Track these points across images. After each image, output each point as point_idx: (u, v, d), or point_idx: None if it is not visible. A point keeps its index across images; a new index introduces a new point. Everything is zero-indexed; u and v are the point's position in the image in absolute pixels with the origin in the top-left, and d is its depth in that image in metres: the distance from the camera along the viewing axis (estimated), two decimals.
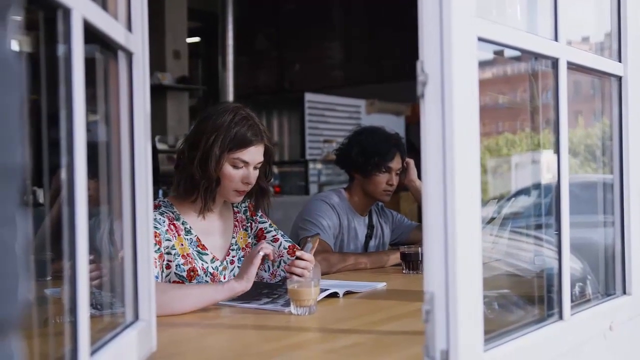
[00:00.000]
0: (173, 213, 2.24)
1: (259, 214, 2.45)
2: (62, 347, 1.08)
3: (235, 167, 2.21)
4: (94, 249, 1.16)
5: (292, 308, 1.88)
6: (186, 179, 2.22)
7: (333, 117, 8.26)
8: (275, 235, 2.42)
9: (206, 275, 2.23)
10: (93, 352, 1.11)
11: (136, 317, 1.38)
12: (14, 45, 0.56)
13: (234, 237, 2.37)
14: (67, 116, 1.01)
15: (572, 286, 1.62)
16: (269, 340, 1.66)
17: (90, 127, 1.16)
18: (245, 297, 2.06)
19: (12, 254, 0.54)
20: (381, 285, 2.38)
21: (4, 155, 0.53)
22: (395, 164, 3.04)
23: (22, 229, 0.56)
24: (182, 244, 2.20)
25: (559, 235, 1.54)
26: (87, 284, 1.04)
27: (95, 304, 1.35)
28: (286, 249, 2.38)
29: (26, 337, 0.60)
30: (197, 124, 2.29)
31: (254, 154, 2.22)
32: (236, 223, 2.39)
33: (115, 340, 1.24)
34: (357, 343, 1.60)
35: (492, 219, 2.08)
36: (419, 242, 3.00)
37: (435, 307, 1.18)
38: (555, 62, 1.53)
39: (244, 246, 2.39)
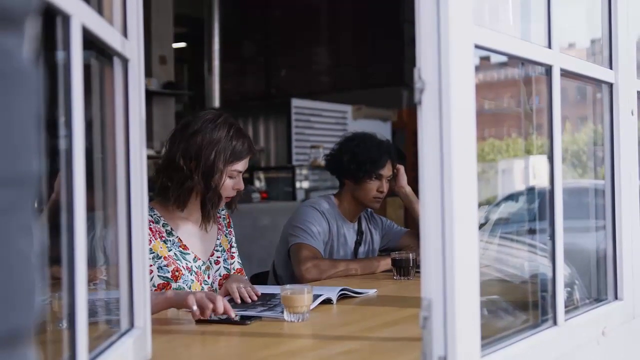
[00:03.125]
0: (152, 216, 2.28)
1: (231, 227, 2.56)
2: (58, 354, 1.07)
3: (231, 177, 2.31)
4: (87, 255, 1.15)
5: (285, 315, 1.88)
6: (186, 192, 2.27)
7: (320, 122, 8.26)
8: (234, 253, 2.53)
9: (191, 274, 2.29)
10: None
11: (131, 324, 1.37)
12: (30, 55, 0.55)
13: (218, 239, 2.44)
14: (66, 123, 1.01)
15: None
16: (263, 347, 1.66)
17: (85, 134, 1.15)
18: (240, 306, 2.06)
19: (29, 263, 0.54)
20: (372, 292, 2.37)
21: (22, 164, 0.53)
22: (386, 171, 3.05)
23: (37, 237, 0.55)
24: (161, 247, 2.25)
25: (552, 241, 1.55)
26: (85, 291, 1.04)
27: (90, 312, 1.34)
28: (234, 270, 2.46)
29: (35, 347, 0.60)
30: (187, 136, 2.29)
31: (246, 163, 2.35)
32: (219, 227, 2.48)
33: (111, 348, 1.23)
34: (353, 350, 1.60)
35: (481, 224, 2.09)
36: (408, 247, 3.00)
37: (433, 313, 1.18)
38: (549, 69, 1.54)
39: (227, 249, 2.48)
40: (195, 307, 1.83)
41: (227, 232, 2.51)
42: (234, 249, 2.53)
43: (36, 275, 0.55)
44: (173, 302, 1.95)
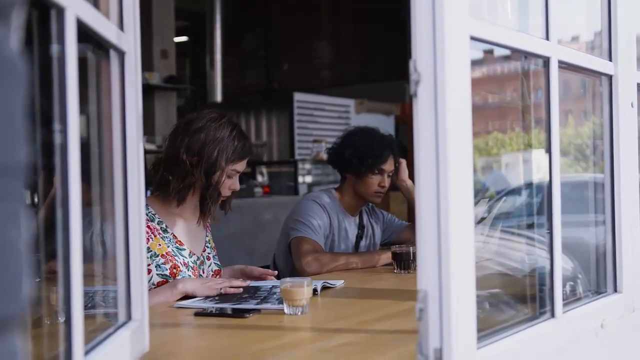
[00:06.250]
0: (147, 214, 2.29)
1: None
2: (55, 347, 1.08)
3: (229, 176, 2.34)
4: (84, 250, 1.16)
5: (285, 308, 1.88)
6: (186, 187, 2.30)
7: (322, 116, 8.25)
8: (214, 253, 2.54)
9: (188, 270, 2.32)
10: (86, 353, 1.10)
11: (129, 317, 1.38)
12: (17, 45, 0.56)
13: (207, 236, 2.50)
14: (60, 117, 1.01)
15: (563, 285, 1.62)
16: (262, 340, 1.66)
17: (83, 128, 1.15)
18: (232, 300, 2.06)
19: (16, 251, 0.54)
20: (340, 283, 2.39)
21: (9, 154, 0.53)
22: (388, 166, 3.04)
23: (25, 226, 0.56)
24: (159, 244, 2.28)
25: (550, 233, 1.55)
26: (81, 284, 1.04)
27: (87, 304, 1.34)
28: (212, 272, 2.47)
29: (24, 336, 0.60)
30: (190, 132, 2.31)
31: (245, 164, 2.40)
32: (207, 225, 2.51)
33: (108, 340, 1.24)
34: (351, 342, 1.60)
35: (483, 218, 2.08)
36: (409, 241, 3.00)
37: (428, 305, 1.18)
38: (546, 61, 1.54)
39: (214, 247, 2.53)
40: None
41: (210, 230, 2.56)
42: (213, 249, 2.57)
43: (25, 264, 0.55)
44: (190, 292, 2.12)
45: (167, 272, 2.25)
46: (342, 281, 2.43)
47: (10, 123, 0.53)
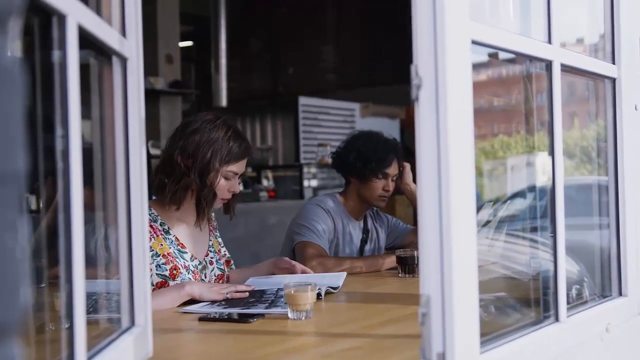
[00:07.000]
0: (150, 215, 2.30)
1: (217, 231, 2.59)
2: (58, 353, 1.08)
3: (226, 178, 2.34)
4: (88, 255, 1.16)
5: (289, 313, 1.88)
6: (182, 189, 2.30)
7: (327, 120, 8.26)
8: (225, 252, 2.57)
9: (188, 273, 2.32)
10: (89, 358, 1.10)
11: (132, 322, 1.38)
12: (15, 52, 0.56)
13: (210, 240, 2.49)
14: (62, 122, 1.01)
15: (569, 289, 1.62)
16: (266, 345, 1.66)
17: (84, 133, 1.16)
18: (239, 305, 2.05)
19: (13, 258, 0.54)
20: (342, 277, 2.42)
21: (7, 161, 0.53)
22: (392, 170, 3.04)
23: (23, 233, 0.56)
24: (161, 244, 2.29)
25: (554, 236, 1.54)
26: (83, 290, 1.04)
27: (89, 309, 1.34)
28: (215, 276, 2.47)
29: (22, 343, 0.60)
30: (186, 135, 2.33)
31: (243, 166, 2.38)
32: (211, 228, 2.52)
33: (111, 346, 1.24)
34: (354, 347, 1.60)
35: (488, 221, 2.08)
36: (414, 245, 3.00)
37: (431, 309, 1.18)
38: (549, 65, 1.53)
39: (218, 250, 2.51)
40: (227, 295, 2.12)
41: (216, 234, 2.56)
42: (224, 249, 2.57)
43: (22, 272, 0.56)
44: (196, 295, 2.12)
45: (167, 273, 2.25)
46: (344, 273, 2.46)
47: (8, 131, 0.53)
